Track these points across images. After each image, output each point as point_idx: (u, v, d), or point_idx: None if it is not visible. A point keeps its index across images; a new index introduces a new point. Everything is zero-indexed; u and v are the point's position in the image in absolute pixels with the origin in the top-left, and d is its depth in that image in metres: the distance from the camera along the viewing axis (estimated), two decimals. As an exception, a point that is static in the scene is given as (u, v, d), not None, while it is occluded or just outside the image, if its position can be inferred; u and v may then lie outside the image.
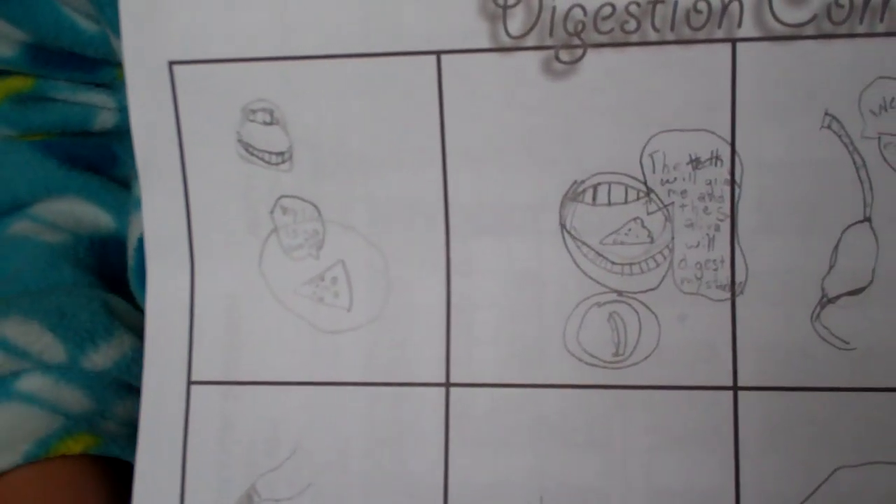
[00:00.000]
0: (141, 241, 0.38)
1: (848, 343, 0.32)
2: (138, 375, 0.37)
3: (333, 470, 0.35)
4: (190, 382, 0.36)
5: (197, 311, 0.36)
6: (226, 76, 0.35)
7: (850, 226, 0.32)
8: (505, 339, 0.34)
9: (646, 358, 0.33)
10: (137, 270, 0.41)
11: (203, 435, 0.36)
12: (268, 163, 0.35)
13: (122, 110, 0.45)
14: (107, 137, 0.47)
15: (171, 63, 0.35)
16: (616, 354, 0.34)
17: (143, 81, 0.35)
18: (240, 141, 0.35)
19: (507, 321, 0.34)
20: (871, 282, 0.32)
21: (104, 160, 0.46)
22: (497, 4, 0.33)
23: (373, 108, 0.34)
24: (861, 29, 0.31)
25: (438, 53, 0.33)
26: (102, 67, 0.44)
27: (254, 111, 0.35)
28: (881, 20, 0.31)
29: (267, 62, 0.34)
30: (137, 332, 0.40)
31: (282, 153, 0.35)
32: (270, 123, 0.35)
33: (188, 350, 0.36)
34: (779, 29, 0.32)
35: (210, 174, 0.35)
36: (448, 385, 0.34)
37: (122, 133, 0.45)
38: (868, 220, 0.32)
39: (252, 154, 0.35)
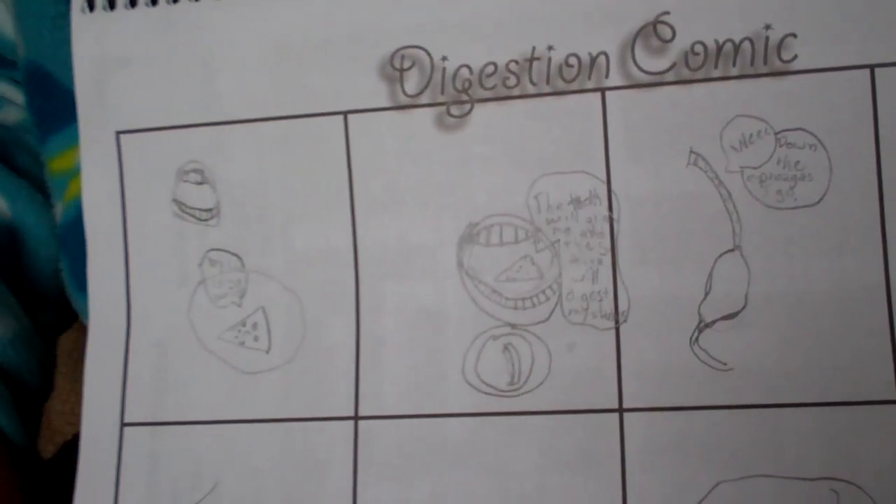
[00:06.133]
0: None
1: (725, 364, 0.34)
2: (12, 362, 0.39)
3: (251, 502, 0.37)
4: (123, 425, 0.38)
5: (131, 357, 0.39)
6: (163, 142, 0.39)
7: (721, 254, 0.34)
8: (409, 373, 0.36)
9: (538, 385, 0.35)
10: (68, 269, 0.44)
11: (133, 474, 0.38)
12: (198, 219, 0.39)
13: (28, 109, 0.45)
14: (8, 132, 0.48)
15: (118, 132, 0.39)
16: (511, 383, 0.36)
17: (95, 150, 0.39)
18: (174, 200, 0.39)
19: (411, 356, 0.36)
20: (745, 306, 0.34)
21: (4, 148, 0.47)
22: (394, 68, 0.37)
23: (288, 164, 0.38)
24: (716, 73, 0.34)
25: (345, 113, 0.37)
26: (14, 66, 0.45)
27: (186, 172, 0.39)
28: (734, 64, 0.34)
29: (197, 128, 0.38)
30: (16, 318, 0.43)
31: (210, 209, 0.39)
32: (201, 183, 0.39)
33: (122, 394, 0.39)
34: (642, 77, 0.35)
35: (147, 231, 0.39)
36: (357, 418, 0.36)
37: (21, 130, 0.47)
38: (738, 248, 0.34)
39: (184, 212, 0.39)
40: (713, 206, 0.34)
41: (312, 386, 0.37)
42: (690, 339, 0.34)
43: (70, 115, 0.41)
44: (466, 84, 0.36)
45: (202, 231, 0.39)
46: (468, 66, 0.36)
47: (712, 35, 0.34)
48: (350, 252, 0.37)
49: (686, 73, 0.35)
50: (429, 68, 0.36)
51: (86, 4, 0.39)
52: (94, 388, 0.39)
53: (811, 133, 0.34)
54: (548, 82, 0.36)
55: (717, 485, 0.33)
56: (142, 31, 0.39)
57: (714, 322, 0.34)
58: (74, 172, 0.42)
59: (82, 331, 0.54)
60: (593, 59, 0.35)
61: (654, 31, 0.35)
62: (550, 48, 0.35)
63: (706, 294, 0.34)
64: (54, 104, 0.43)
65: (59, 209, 0.44)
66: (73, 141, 0.42)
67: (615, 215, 0.35)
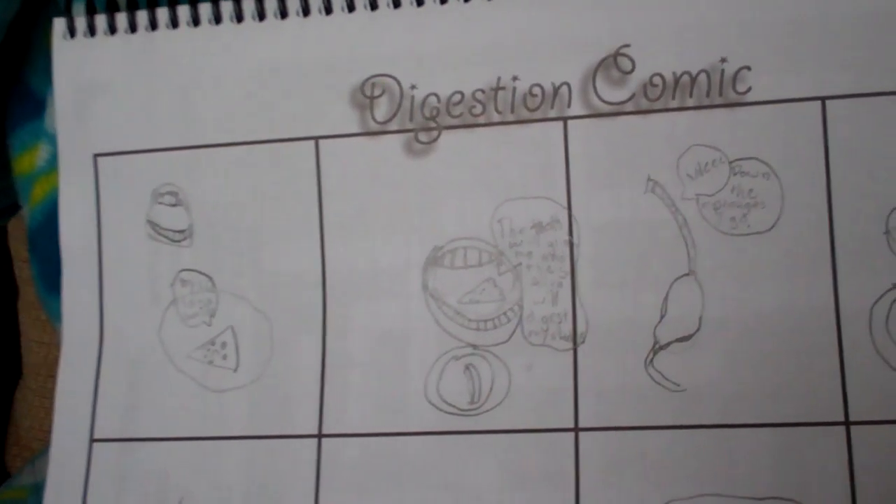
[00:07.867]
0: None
1: (679, 385, 0.35)
2: None
3: (214, 518, 0.37)
4: (92, 440, 0.39)
5: (102, 374, 0.39)
6: (139, 164, 0.40)
7: (676, 279, 0.35)
8: (373, 392, 0.37)
9: (497, 405, 0.36)
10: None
11: (101, 489, 0.38)
12: (171, 240, 0.40)
13: None
14: None
15: (96, 155, 0.40)
16: (471, 402, 0.36)
17: (73, 172, 0.40)
18: (149, 221, 0.40)
19: (375, 376, 0.37)
20: (699, 329, 0.35)
21: None
22: (365, 95, 0.38)
23: (261, 188, 0.39)
24: (674, 104, 0.36)
25: (316, 139, 0.38)
26: None
27: (161, 194, 0.40)
28: (690, 95, 0.36)
29: (173, 151, 0.39)
30: None
31: (183, 231, 0.39)
32: (175, 205, 0.40)
33: (92, 410, 0.39)
34: (603, 107, 0.36)
35: (122, 251, 0.40)
36: (321, 436, 0.37)
37: None
38: (693, 272, 0.35)
39: (158, 233, 0.40)
40: (669, 232, 0.36)
41: (278, 404, 0.38)
42: (646, 360, 0.35)
43: (33, 112, 0.42)
44: (434, 112, 0.37)
45: (175, 252, 0.40)
46: (436, 95, 0.37)
47: (670, 67, 0.36)
48: (318, 274, 0.38)
49: (645, 104, 0.36)
50: (398, 96, 0.38)
51: (67, 31, 0.40)
52: (65, 403, 0.40)
53: (764, 162, 0.35)
54: (512, 111, 0.37)
55: (669, 503, 0.34)
56: (121, 57, 0.40)
57: (669, 344, 0.35)
58: (36, 176, 0.43)
59: (51, 348, 0.55)
60: (556, 90, 0.36)
61: (614, 63, 0.36)
62: (515, 78, 0.37)
63: (661, 317, 0.35)
64: (21, 99, 0.44)
65: (26, 213, 0.44)
66: (35, 138, 0.43)
67: (575, 240, 0.36)
